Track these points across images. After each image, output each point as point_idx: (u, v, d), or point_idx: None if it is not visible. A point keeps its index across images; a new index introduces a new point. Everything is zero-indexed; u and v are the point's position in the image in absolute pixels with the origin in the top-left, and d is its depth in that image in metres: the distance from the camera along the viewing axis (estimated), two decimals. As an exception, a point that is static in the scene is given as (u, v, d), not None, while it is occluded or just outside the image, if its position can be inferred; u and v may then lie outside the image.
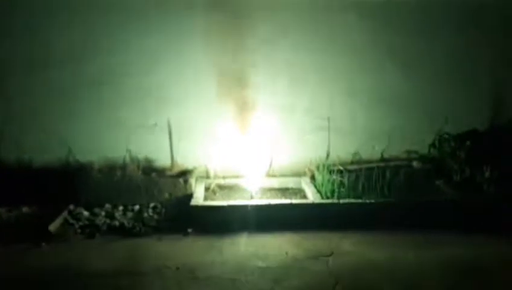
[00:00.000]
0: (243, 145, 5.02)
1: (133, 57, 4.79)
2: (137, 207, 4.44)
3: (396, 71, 5.05)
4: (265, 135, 5.06)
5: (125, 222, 4.15)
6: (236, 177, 5.00)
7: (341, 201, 4.26)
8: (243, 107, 5.00)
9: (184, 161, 5.07)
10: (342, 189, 4.49)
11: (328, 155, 5.13)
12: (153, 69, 4.85)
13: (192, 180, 4.61)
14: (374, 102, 5.13)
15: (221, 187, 4.88)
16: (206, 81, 4.87)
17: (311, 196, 4.46)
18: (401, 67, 5.04)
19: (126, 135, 4.96)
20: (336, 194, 4.44)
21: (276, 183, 4.94)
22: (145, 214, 4.30)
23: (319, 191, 4.56)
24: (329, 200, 4.33)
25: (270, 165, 5.13)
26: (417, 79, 5.12)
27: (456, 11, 4.96)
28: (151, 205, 4.46)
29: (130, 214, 4.34)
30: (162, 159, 5.06)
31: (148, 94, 4.91)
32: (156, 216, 4.27)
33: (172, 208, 4.41)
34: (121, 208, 4.43)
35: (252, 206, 4.20)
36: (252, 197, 4.50)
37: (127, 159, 5.01)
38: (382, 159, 5.22)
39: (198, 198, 4.40)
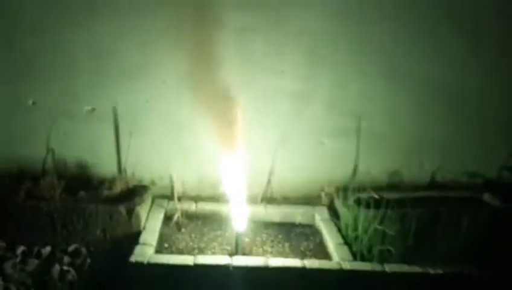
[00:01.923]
0: (229, 150, 3.23)
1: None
2: (47, 250, 2.67)
3: (467, 58, 3.25)
4: (263, 135, 3.28)
5: (16, 284, 2.39)
6: (216, 199, 3.26)
7: (387, 268, 2.53)
8: (231, 90, 3.19)
9: (136, 168, 3.29)
10: (380, 238, 2.75)
11: (355, 171, 3.38)
12: (88, 23, 3.00)
13: (140, 209, 2.83)
14: (428, 98, 3.34)
15: (190, 217, 3.13)
16: (175, 47, 3.03)
17: (334, 250, 2.73)
18: (475, 54, 3.24)
19: (47, 125, 3.16)
20: (373, 249, 2.71)
21: (276, 213, 3.20)
22: (56, 267, 2.53)
23: (345, 239, 2.84)
24: (367, 266, 2.59)
25: (269, 183, 3.37)
26: (496, 73, 3.32)
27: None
28: (71, 247, 2.69)
29: (32, 264, 2.57)
30: (102, 165, 3.30)
31: (80, 65, 3.09)
32: (72, 274, 2.50)
33: (104, 258, 2.65)
34: (20, 249, 2.65)
35: (236, 268, 2.46)
36: (237, 245, 2.75)
37: (49, 163, 3.22)
38: (434, 184, 3.50)
39: (148, 243, 2.64)
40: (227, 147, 3.18)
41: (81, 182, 3.07)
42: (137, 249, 2.53)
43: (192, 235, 2.92)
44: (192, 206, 3.14)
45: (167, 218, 3.04)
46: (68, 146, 3.24)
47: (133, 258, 2.44)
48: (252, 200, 3.22)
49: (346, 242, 2.80)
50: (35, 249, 2.67)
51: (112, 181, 3.02)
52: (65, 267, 2.53)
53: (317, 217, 3.11)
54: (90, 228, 2.74)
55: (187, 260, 2.47)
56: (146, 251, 2.52)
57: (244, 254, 2.72)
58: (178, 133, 3.27)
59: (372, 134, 3.36)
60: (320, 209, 3.19)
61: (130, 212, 2.76)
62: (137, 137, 3.24)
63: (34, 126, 3.20)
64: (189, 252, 2.72)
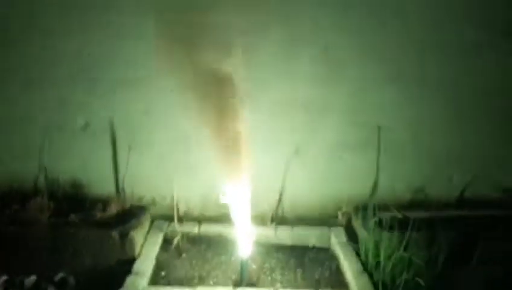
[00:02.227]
0: (236, 166, 2.94)
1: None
2: (31, 280, 2.40)
3: (506, 62, 2.90)
4: (274, 149, 2.98)
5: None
6: (222, 219, 2.95)
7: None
8: (239, 101, 2.89)
9: (136, 187, 3.03)
10: (405, 266, 2.41)
11: (375, 188, 3.04)
12: (81, 26, 2.76)
13: (135, 234, 2.55)
14: (456, 106, 2.99)
15: (193, 240, 2.84)
16: (175, 52, 2.75)
17: (352, 279, 2.40)
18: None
19: (38, 140, 2.92)
20: (398, 279, 2.37)
21: (288, 236, 2.89)
22: (38, 301, 2.26)
23: (365, 266, 2.50)
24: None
25: (280, 201, 3.06)
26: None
27: None
28: (57, 277, 2.42)
29: (14, 296, 2.30)
30: (99, 183, 3.04)
31: (73, 73, 2.84)
32: (55, 309, 2.23)
33: (93, 287, 2.37)
34: (2, 280, 2.39)
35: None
36: (242, 274, 2.43)
37: (41, 181, 2.98)
38: (464, 201, 3.14)
39: (141, 272, 2.36)
40: (234, 162, 2.89)
41: (74, 203, 2.81)
42: (129, 280, 2.25)
43: (194, 262, 2.62)
44: (194, 229, 2.85)
45: (167, 242, 2.75)
46: (61, 163, 2.98)
47: (121, 293, 2.15)
48: (261, 220, 2.93)
49: (367, 269, 2.46)
50: (18, 279, 2.40)
51: (106, 202, 2.75)
52: (49, 300, 2.25)
53: (334, 240, 2.79)
54: (80, 255, 2.47)
55: (183, 293, 2.17)
56: (138, 282, 2.24)
57: (250, 284, 2.41)
58: (182, 148, 2.99)
59: (394, 146, 3.02)
60: (337, 231, 2.87)
61: (124, 237, 2.48)
62: (137, 152, 2.97)
63: (24, 141, 2.96)
64: (189, 282, 2.42)
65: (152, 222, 2.88)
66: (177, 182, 2.96)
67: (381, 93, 2.91)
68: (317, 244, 2.84)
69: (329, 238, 2.82)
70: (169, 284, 2.38)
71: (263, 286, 2.41)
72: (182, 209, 3.02)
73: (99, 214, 2.66)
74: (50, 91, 2.87)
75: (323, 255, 2.75)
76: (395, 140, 3.00)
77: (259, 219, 2.93)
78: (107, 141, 2.95)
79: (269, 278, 2.51)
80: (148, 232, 2.75)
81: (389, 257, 2.41)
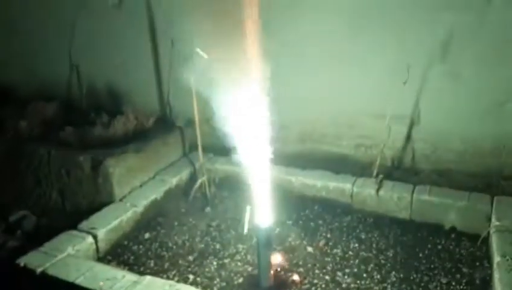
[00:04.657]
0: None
1: None
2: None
3: None
4: (405, 38, 1.60)
5: None
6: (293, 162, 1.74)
7: None
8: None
9: (182, 102, 2.03)
10: None
11: None
12: None
13: (117, 164, 1.54)
14: None
15: (236, 186, 1.70)
16: None
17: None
18: None
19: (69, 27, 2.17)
20: None
21: (402, 201, 1.49)
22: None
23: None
24: None
25: (409, 139, 1.67)
26: None
27: None
28: (16, 215, 1.63)
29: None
30: (138, 91, 2.15)
31: None
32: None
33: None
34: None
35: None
36: (260, 275, 1.22)
37: (74, 84, 2.24)
38: None
39: (91, 229, 1.36)
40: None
41: (84, 114, 1.96)
42: (55, 241, 1.28)
43: (213, 224, 1.51)
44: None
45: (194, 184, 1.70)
46: (94, 63, 2.16)
47: (23, 261, 1.21)
48: (363, 169, 1.63)
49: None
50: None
51: (113, 115, 1.82)
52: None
53: (497, 222, 1.31)
54: (46, 187, 1.61)
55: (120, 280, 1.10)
56: (64, 247, 1.25)
57: None
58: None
59: None
60: (506, 204, 1.37)
61: (96, 167, 1.51)
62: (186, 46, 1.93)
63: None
64: (175, 259, 1.35)
65: (185, 151, 1.85)
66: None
67: None
68: (460, 226, 1.40)
69: (487, 217, 1.36)
70: (129, 260, 1.34)
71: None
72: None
73: (99, 130, 1.74)
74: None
75: (467, 251, 1.32)
76: None
77: (361, 167, 1.65)
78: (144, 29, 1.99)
79: (323, 279, 1.24)
80: (170, 166, 1.74)
81: None
